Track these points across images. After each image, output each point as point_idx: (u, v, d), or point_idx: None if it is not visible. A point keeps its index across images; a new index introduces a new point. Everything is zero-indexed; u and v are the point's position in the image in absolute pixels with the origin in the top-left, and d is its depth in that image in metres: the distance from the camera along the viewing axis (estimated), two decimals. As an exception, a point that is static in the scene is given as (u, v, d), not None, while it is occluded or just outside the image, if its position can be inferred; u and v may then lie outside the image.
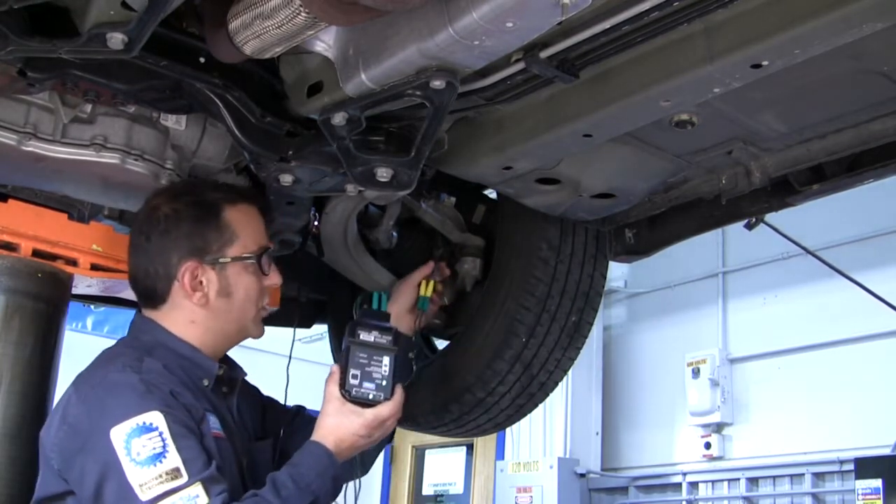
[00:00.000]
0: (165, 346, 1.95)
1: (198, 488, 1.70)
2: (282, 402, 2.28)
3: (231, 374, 2.05)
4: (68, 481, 1.80)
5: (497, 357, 2.44)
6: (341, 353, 2.01)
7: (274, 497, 1.76)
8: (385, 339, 1.99)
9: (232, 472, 1.87)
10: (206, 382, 1.95)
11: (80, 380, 1.88)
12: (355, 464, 2.18)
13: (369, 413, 1.93)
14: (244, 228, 2.01)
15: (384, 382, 1.95)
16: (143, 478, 1.70)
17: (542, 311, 2.43)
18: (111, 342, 2.02)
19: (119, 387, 1.81)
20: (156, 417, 1.75)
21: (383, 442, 2.29)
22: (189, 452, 1.74)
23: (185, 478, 1.70)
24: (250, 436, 2.06)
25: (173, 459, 1.71)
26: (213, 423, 1.88)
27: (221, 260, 1.97)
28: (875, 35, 1.52)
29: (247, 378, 2.14)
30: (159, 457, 1.71)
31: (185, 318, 1.98)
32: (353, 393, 1.93)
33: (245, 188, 2.20)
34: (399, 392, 1.97)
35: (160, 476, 1.70)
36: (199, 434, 1.80)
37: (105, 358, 1.92)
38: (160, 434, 1.73)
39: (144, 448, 1.72)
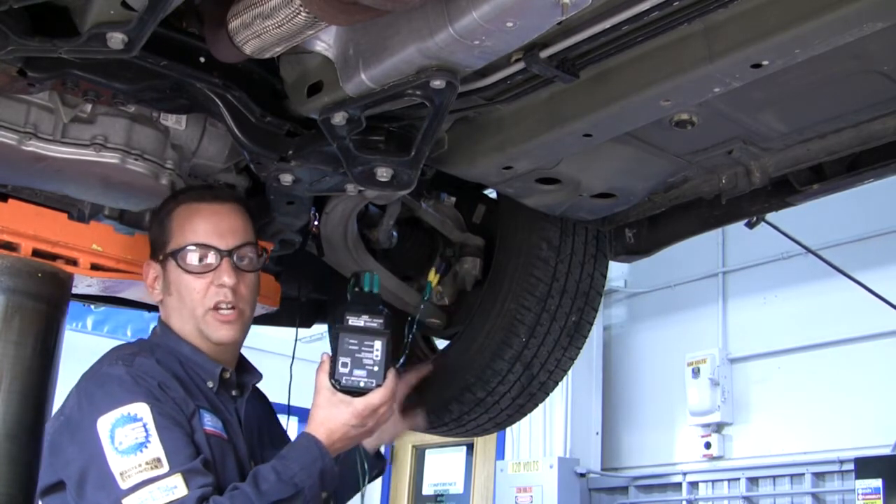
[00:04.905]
0: (168, 346, 1.99)
1: (177, 479, 1.71)
2: (285, 400, 2.28)
3: (241, 377, 2.05)
4: (57, 470, 1.82)
5: (497, 356, 2.44)
6: (331, 341, 1.96)
7: (253, 490, 1.75)
8: (376, 323, 1.91)
9: (230, 471, 1.86)
10: (210, 384, 1.96)
11: (83, 375, 1.94)
12: (359, 460, 2.16)
13: (359, 402, 1.88)
14: (180, 226, 2.03)
15: (376, 368, 1.88)
16: (123, 466, 1.72)
17: (542, 311, 2.43)
18: (111, 342, 2.06)
19: (108, 379, 1.85)
20: (141, 408, 1.77)
21: (374, 470, 2.27)
22: (172, 444, 1.75)
23: (165, 468, 1.71)
24: (264, 442, 2.06)
25: (155, 449, 1.73)
26: (208, 420, 1.88)
27: (161, 257, 2.03)
28: (875, 35, 1.52)
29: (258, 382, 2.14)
30: (141, 446, 1.73)
31: (165, 315, 2.05)
32: (343, 382, 1.88)
33: (219, 188, 2.19)
34: (391, 377, 1.90)
35: (140, 465, 1.71)
36: (188, 428, 1.81)
37: (107, 354, 1.97)
38: (144, 425, 1.75)
39: (127, 437, 1.74)
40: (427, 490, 8.80)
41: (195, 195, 2.07)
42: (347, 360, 1.89)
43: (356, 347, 1.89)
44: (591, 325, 2.57)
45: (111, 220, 2.26)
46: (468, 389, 2.49)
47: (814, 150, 2.02)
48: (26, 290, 2.12)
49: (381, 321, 1.92)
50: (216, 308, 1.98)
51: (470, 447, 8.44)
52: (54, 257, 2.19)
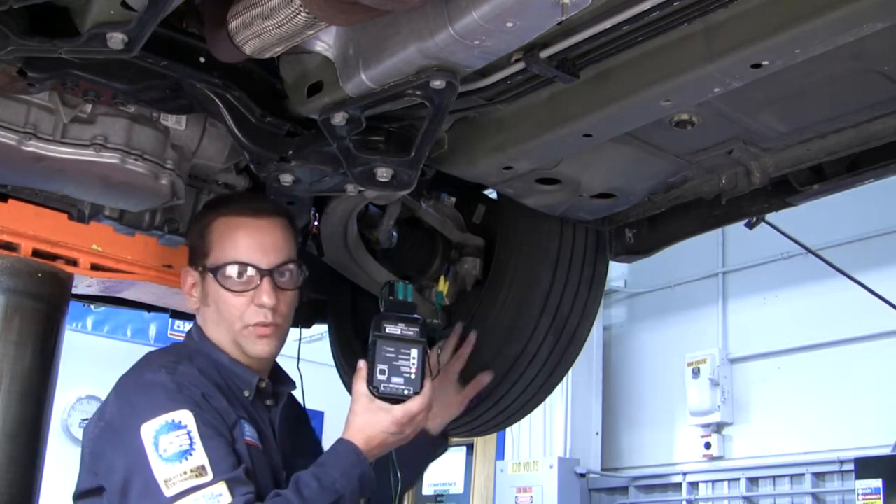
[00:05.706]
0: (205, 353, 1.98)
1: (221, 487, 1.71)
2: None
3: (276, 387, 2.05)
4: (98, 475, 1.82)
5: (511, 343, 2.41)
6: (368, 349, 1.96)
7: (296, 496, 1.76)
8: (412, 331, 1.93)
9: (266, 482, 1.86)
10: (246, 394, 1.96)
11: (120, 380, 1.93)
12: (392, 468, 2.16)
13: (398, 410, 1.89)
14: (220, 239, 2.00)
15: (413, 376, 1.90)
16: (168, 473, 1.72)
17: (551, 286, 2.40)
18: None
19: (151, 386, 1.84)
20: (185, 416, 1.77)
21: (439, 449, 2.28)
22: (216, 452, 1.75)
23: (209, 476, 1.72)
24: (294, 451, 2.06)
25: (199, 457, 1.73)
26: (248, 431, 1.88)
27: (199, 269, 2.02)
28: (875, 35, 1.52)
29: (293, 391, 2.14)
30: (186, 454, 1.73)
31: (202, 322, 2.04)
32: (382, 389, 1.89)
33: (261, 200, 2.17)
34: (428, 385, 1.93)
35: (185, 473, 1.71)
36: (229, 438, 1.82)
37: (146, 359, 1.96)
38: (188, 432, 1.75)
39: (172, 445, 1.74)
40: (427, 490, 8.80)
41: (237, 207, 2.04)
42: (385, 367, 1.91)
43: (393, 355, 1.91)
44: (605, 279, 2.54)
45: (111, 220, 2.27)
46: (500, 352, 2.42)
47: (814, 150, 2.02)
48: (26, 290, 2.12)
49: (416, 330, 1.94)
50: (254, 324, 1.98)
51: (470, 447, 8.44)
52: (54, 257, 2.19)
